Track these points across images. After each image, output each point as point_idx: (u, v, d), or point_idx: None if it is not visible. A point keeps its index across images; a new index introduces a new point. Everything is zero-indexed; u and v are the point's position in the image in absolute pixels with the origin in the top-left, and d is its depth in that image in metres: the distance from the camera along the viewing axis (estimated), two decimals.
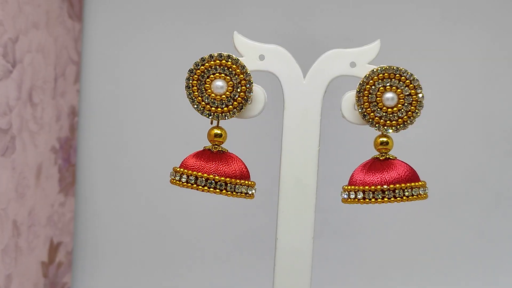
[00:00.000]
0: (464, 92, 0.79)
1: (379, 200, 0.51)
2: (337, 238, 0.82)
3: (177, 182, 0.51)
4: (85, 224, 0.84)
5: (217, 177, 0.50)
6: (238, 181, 0.51)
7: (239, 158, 0.52)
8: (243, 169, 0.51)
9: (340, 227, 0.82)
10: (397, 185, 0.51)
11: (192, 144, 0.78)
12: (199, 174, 0.50)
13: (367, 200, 0.51)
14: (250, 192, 0.51)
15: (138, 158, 0.83)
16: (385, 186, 0.51)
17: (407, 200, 0.51)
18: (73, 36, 0.80)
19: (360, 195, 0.51)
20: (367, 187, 0.51)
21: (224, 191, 0.50)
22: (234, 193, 0.50)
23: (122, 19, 0.82)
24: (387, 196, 0.51)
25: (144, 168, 0.83)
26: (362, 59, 0.52)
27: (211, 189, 0.50)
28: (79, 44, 0.81)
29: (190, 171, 0.50)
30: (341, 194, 0.53)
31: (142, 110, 0.83)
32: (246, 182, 0.51)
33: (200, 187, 0.50)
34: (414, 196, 0.51)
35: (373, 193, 0.51)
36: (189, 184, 0.50)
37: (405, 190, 0.51)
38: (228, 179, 0.50)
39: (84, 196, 0.84)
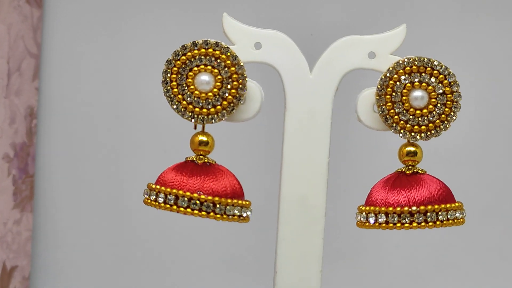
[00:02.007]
0: (489, 89, 0.78)
1: (406, 225, 0.47)
2: (343, 263, 0.81)
3: (153, 203, 0.48)
4: (45, 244, 0.83)
5: (202, 196, 0.47)
6: (229, 200, 0.48)
7: (230, 172, 0.49)
8: (236, 185, 0.49)
9: (347, 249, 0.81)
10: (429, 207, 0.47)
11: (173, 153, 0.79)
12: (180, 192, 0.47)
13: (391, 224, 0.47)
14: (244, 215, 0.48)
15: (107, 168, 0.82)
16: (414, 208, 0.47)
17: (441, 226, 0.47)
18: (31, 25, 0.79)
19: (382, 219, 0.47)
20: (390, 209, 0.47)
21: (212, 214, 0.47)
22: (224, 216, 0.47)
23: (90, 5, 0.81)
24: (416, 220, 0.47)
25: (114, 181, 0.82)
26: (384, 48, 0.49)
27: (196, 212, 0.47)
28: (38, 34, 0.80)
29: (168, 189, 0.48)
30: (357, 217, 0.49)
31: (112, 112, 0.82)
32: (240, 201, 0.48)
33: (182, 209, 0.47)
34: (450, 221, 0.47)
35: (399, 216, 0.47)
36: (168, 206, 0.47)
37: (439, 213, 0.47)
38: (216, 198, 0.47)
39: (44, 212, 0.83)
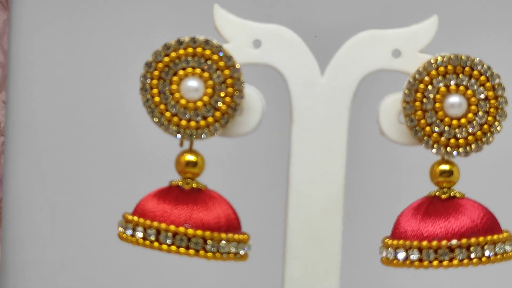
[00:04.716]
0: None
1: (445, 263, 0.44)
2: None
3: (130, 238, 0.46)
4: (14, 278, 0.83)
5: (190, 230, 0.45)
6: (223, 235, 0.46)
7: (224, 199, 0.47)
8: (231, 215, 0.47)
9: (360, 281, 0.80)
10: (473, 239, 0.44)
11: (160, 173, 0.78)
12: (163, 225, 0.45)
13: (426, 262, 0.44)
14: (242, 252, 0.46)
15: (85, 192, 0.82)
16: (454, 241, 0.44)
17: (488, 263, 0.44)
18: None
19: (414, 255, 0.44)
20: (425, 243, 0.44)
21: (202, 252, 0.45)
22: (217, 254, 0.45)
23: (63, 6, 0.81)
24: (458, 257, 0.44)
25: (92, 207, 0.82)
26: (411, 45, 0.47)
27: (182, 249, 0.45)
28: (5, 39, 0.80)
29: (148, 221, 0.45)
30: (382, 252, 0.47)
31: (89, 127, 0.81)
32: (236, 236, 0.46)
33: (165, 246, 0.45)
34: (498, 257, 0.44)
35: (436, 251, 0.44)
36: (148, 242, 0.45)
37: (485, 246, 0.44)
38: (208, 232, 0.45)
39: (13, 242, 0.82)
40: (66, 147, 0.82)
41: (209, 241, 0.46)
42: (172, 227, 0.45)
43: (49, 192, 0.82)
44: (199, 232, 0.45)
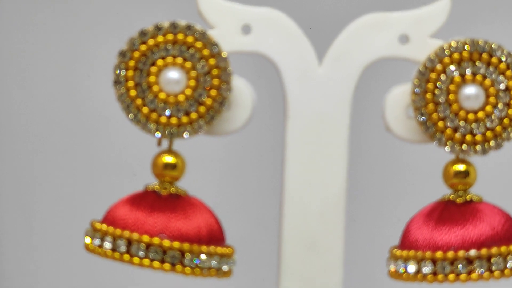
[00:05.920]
0: None
1: (462, 276, 0.42)
2: None
3: (97, 249, 0.44)
4: None
5: (166, 241, 0.43)
6: (204, 247, 0.44)
7: (206, 206, 0.46)
8: (213, 226, 0.45)
9: None
10: (494, 249, 0.42)
11: (145, 176, 0.73)
12: (135, 235, 0.43)
13: (441, 276, 0.42)
14: (225, 268, 0.45)
15: (63, 200, 0.80)
16: (472, 252, 0.42)
17: (511, 276, 0.43)
18: None
19: (427, 268, 0.42)
20: (439, 254, 0.42)
21: (179, 267, 0.43)
22: (197, 269, 0.44)
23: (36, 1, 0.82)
24: (476, 270, 0.42)
25: (71, 214, 0.80)
26: (420, 30, 0.46)
27: (156, 263, 0.43)
28: None
29: (119, 230, 0.44)
30: (389, 264, 0.45)
31: (69, 129, 0.80)
32: (218, 249, 0.44)
33: (137, 259, 0.43)
34: None
35: (452, 263, 0.42)
36: (118, 254, 0.43)
37: (508, 257, 0.42)
38: (186, 244, 0.43)
39: None
40: (44, 151, 0.82)
41: (187, 254, 0.44)
42: (146, 238, 0.43)
43: (26, 201, 0.82)
44: (176, 243, 0.43)
